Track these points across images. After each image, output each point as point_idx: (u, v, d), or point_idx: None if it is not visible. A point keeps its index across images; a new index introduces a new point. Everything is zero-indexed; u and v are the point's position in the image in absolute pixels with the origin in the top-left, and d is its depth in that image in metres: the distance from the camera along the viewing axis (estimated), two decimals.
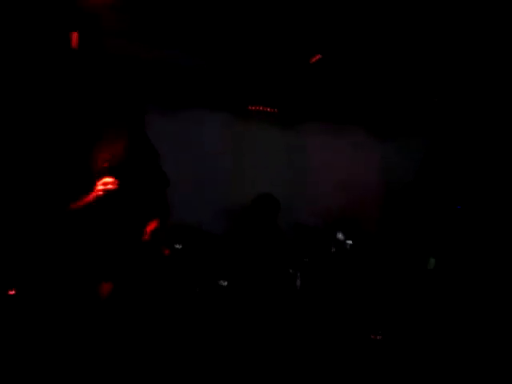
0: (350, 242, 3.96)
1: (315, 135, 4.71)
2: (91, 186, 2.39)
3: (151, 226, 2.64)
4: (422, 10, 3.40)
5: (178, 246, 3.62)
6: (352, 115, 4.81)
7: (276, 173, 4.41)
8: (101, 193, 2.36)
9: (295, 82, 4.43)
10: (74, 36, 3.64)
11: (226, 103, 4.29)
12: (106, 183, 2.36)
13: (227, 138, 4.29)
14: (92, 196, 2.37)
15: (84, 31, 3.59)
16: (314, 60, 4.23)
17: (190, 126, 4.14)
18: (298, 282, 3.63)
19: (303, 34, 3.85)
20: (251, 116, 4.44)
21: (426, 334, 3.32)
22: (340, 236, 3.96)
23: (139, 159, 2.61)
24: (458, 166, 3.87)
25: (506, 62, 3.98)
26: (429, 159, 3.72)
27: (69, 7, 3.39)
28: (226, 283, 3.57)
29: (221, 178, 4.24)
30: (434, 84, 4.54)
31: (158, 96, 3.99)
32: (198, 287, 3.49)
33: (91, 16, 3.57)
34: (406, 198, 3.84)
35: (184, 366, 2.80)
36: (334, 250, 3.95)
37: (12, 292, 2.88)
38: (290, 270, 3.66)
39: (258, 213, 3.97)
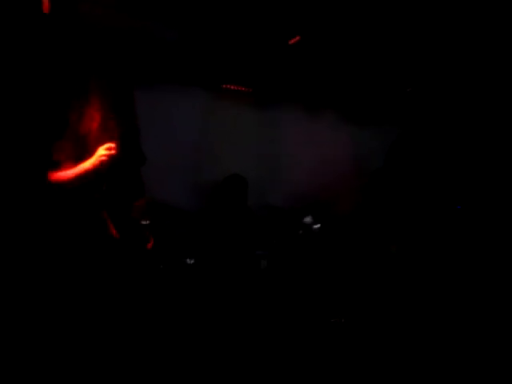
0: (318, 225, 3.99)
1: (290, 117, 4.69)
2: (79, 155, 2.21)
3: (140, 203, 2.59)
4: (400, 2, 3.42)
5: (144, 223, 3.57)
6: (328, 99, 4.81)
7: (249, 153, 4.37)
8: (105, 158, 2.15)
9: (272, 63, 4.36)
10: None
11: (200, 81, 4.17)
12: (110, 148, 2.18)
13: (200, 117, 4.19)
14: (93, 163, 2.17)
15: None
16: (292, 41, 4.18)
17: (162, 103, 4.00)
18: (264, 263, 3.65)
19: (284, 15, 3.79)
20: (226, 95, 4.35)
21: (387, 316, 3.39)
22: (308, 219, 3.99)
23: (124, 134, 2.43)
24: (423, 154, 3.94)
25: (476, 54, 4.04)
26: (396, 147, 3.77)
27: None
28: (192, 261, 3.55)
29: (192, 157, 4.15)
30: (408, 74, 4.58)
31: (130, 70, 3.86)
32: (162, 264, 3.46)
33: None
34: (374, 184, 3.89)
35: (144, 343, 2.79)
36: (301, 232, 3.97)
37: None
38: (257, 251, 3.67)
39: (227, 192, 3.96)
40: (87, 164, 2.15)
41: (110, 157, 2.17)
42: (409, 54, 4.29)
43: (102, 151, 2.16)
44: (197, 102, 4.15)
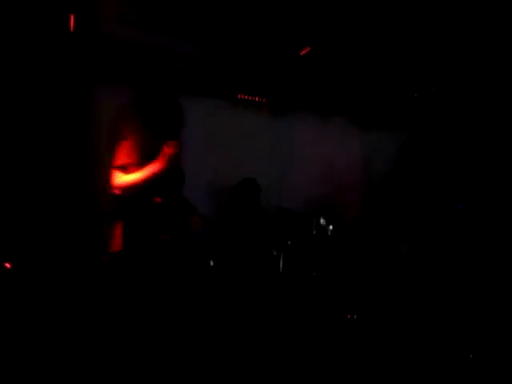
0: (330, 227, 4.14)
1: (302, 124, 4.86)
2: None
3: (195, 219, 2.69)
4: (406, 10, 3.57)
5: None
6: (338, 106, 4.97)
7: (263, 159, 4.54)
8: (166, 160, 2.26)
9: (284, 73, 4.56)
10: (72, 19, 3.70)
11: (217, 91, 4.36)
12: (168, 152, 2.28)
13: (217, 125, 4.38)
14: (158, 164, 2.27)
15: (81, 14, 3.66)
16: (303, 52, 4.37)
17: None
18: (281, 264, 3.80)
19: (294, 28, 3.98)
20: (240, 104, 4.53)
21: (400, 314, 3.48)
22: (322, 221, 4.13)
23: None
24: (431, 159, 4.06)
25: (481, 62, 4.18)
26: (404, 152, 3.89)
27: None
28: (212, 263, 3.71)
29: (209, 163, 4.30)
30: (414, 80, 4.73)
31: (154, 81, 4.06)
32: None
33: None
34: (384, 186, 4.01)
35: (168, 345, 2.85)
36: (315, 233, 4.12)
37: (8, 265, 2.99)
38: (274, 252, 3.83)
39: (240, 196, 4.13)
40: (150, 167, 2.25)
41: (170, 161, 2.27)
42: (415, 61, 4.45)
43: (163, 155, 2.26)
44: (214, 111, 4.34)
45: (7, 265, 2.92)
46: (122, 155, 2.22)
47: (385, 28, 3.94)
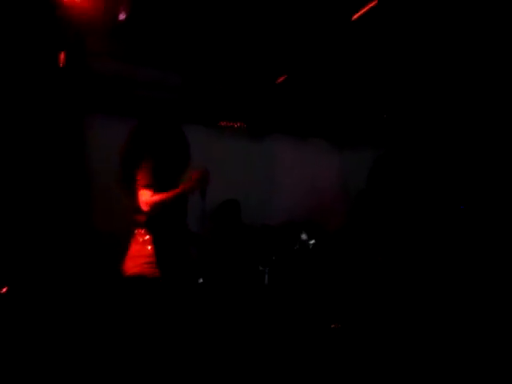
0: (312, 241, 4.35)
1: (281, 146, 5.11)
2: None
3: None
4: (373, 44, 3.90)
5: None
6: (314, 128, 5.25)
7: (246, 180, 4.73)
8: (193, 184, 2.40)
9: (262, 100, 4.83)
10: (62, 56, 3.89)
11: (199, 118, 4.57)
12: (196, 176, 2.44)
13: (202, 150, 4.57)
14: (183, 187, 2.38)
15: (70, 51, 3.79)
16: (280, 80, 4.66)
17: None
18: (266, 278, 3.99)
19: (271, 58, 4.27)
20: (223, 130, 4.76)
21: (379, 322, 3.66)
22: (304, 236, 4.35)
23: None
24: (400, 174, 4.33)
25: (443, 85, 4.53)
26: (375, 170, 4.15)
27: (58, 29, 3.60)
28: (201, 280, 3.87)
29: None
30: (383, 103, 5.06)
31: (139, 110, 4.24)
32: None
33: (77, 37, 3.79)
34: (359, 203, 4.23)
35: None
36: (297, 248, 4.33)
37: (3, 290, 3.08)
38: (260, 267, 4.01)
39: (221, 216, 4.33)
40: (178, 189, 2.39)
41: (197, 183, 2.45)
42: (384, 87, 4.78)
43: (190, 179, 2.43)
44: (198, 138, 4.54)
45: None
46: (146, 177, 2.36)
47: (354, 58, 4.25)
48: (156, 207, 2.31)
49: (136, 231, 2.42)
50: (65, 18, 3.51)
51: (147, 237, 2.38)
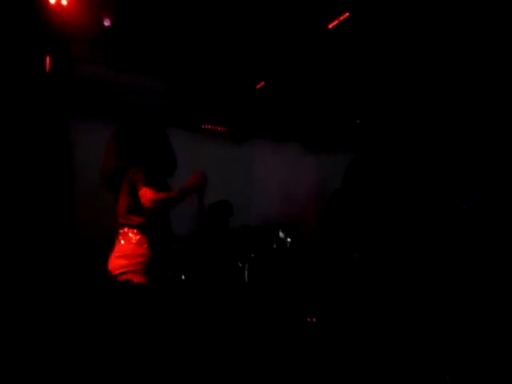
0: (289, 239, 4.53)
1: (261, 150, 5.31)
2: None
3: None
4: (348, 53, 4.10)
5: None
6: (292, 133, 5.46)
7: (227, 182, 4.88)
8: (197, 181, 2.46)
9: (243, 105, 5.02)
10: (47, 60, 3.97)
11: (183, 123, 4.71)
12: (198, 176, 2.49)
13: (185, 153, 4.71)
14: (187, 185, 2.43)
15: (56, 56, 3.89)
16: (258, 86, 4.84)
17: None
18: (246, 274, 4.14)
19: (250, 65, 4.44)
20: (205, 134, 4.92)
21: (354, 316, 3.78)
22: (281, 235, 4.52)
23: None
24: (376, 173, 4.50)
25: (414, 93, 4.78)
26: (351, 169, 4.29)
27: (43, 33, 3.70)
28: (184, 277, 4.00)
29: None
30: (358, 108, 5.29)
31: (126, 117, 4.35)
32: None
33: (62, 42, 3.90)
34: (335, 201, 4.38)
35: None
36: (275, 246, 4.50)
37: None
38: (239, 264, 4.17)
39: (214, 216, 4.47)
40: (185, 186, 2.43)
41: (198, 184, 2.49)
42: (358, 93, 5.00)
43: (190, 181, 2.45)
44: (181, 142, 4.68)
45: None
46: (146, 176, 2.36)
47: (330, 65, 4.46)
48: (161, 204, 2.29)
49: (125, 231, 2.39)
50: (50, 22, 3.61)
51: (139, 237, 2.36)
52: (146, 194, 2.26)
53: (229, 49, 4.16)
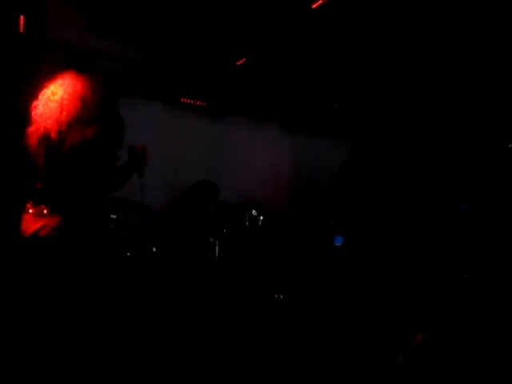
0: (261, 217, 4.56)
1: (238, 128, 5.28)
2: None
3: None
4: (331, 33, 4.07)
5: (113, 216, 3.93)
6: (270, 113, 5.44)
7: (203, 157, 4.89)
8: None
9: (222, 80, 4.94)
10: (21, 20, 3.79)
11: (161, 95, 4.64)
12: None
13: (160, 125, 4.66)
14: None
15: (31, 16, 3.77)
16: (239, 63, 4.77)
17: (128, 114, 4.40)
18: (217, 249, 4.16)
19: (232, 41, 4.37)
20: (184, 107, 4.85)
21: (320, 293, 3.83)
22: (254, 213, 4.55)
23: None
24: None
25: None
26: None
27: None
28: (155, 249, 3.98)
29: (153, 161, 4.54)
30: (336, 92, 5.30)
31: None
32: (129, 252, 3.85)
33: (39, 1, 3.72)
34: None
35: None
36: (248, 224, 4.53)
37: None
38: (211, 239, 4.18)
39: (198, 195, 4.46)
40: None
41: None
42: (338, 77, 4.99)
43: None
44: (160, 113, 4.64)
45: None
46: None
47: (312, 46, 4.42)
48: None
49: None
50: None
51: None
52: None
53: (211, 23, 4.07)
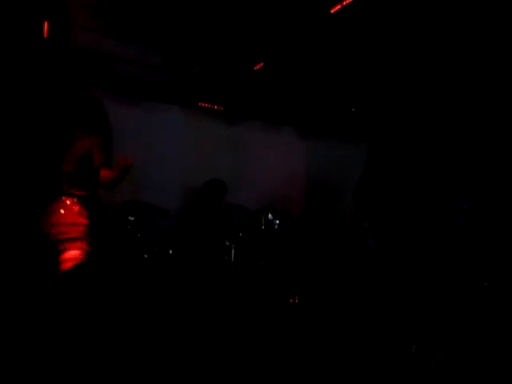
0: (277, 221, 4.53)
1: (254, 131, 5.26)
2: None
3: None
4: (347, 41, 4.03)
5: (131, 218, 3.96)
6: (286, 117, 5.42)
7: (219, 161, 4.88)
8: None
9: (240, 85, 4.94)
10: (46, 25, 3.86)
11: (179, 99, 4.65)
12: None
13: (178, 129, 4.68)
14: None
15: (54, 22, 3.78)
16: (257, 67, 4.76)
17: (147, 118, 4.44)
18: (233, 253, 4.15)
19: (250, 45, 4.36)
20: (201, 111, 4.85)
21: (336, 299, 3.84)
22: (270, 216, 4.52)
23: None
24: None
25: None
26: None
27: None
28: (171, 252, 3.99)
29: (171, 165, 4.56)
30: (353, 97, 5.24)
31: (121, 88, 4.30)
32: (146, 254, 3.88)
33: (62, 7, 3.79)
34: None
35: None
36: (264, 227, 4.51)
37: None
38: (227, 243, 4.17)
39: (208, 194, 4.45)
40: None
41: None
42: (356, 81, 4.94)
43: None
44: (177, 117, 4.65)
45: None
46: None
47: (330, 51, 4.38)
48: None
49: (64, 199, 2.43)
50: None
51: (78, 207, 2.41)
52: (107, 173, 2.39)
53: (230, 28, 4.07)
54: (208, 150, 4.86)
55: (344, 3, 3.62)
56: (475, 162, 4.50)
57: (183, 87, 4.61)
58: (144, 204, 4.05)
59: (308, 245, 4.50)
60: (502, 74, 4.15)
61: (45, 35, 3.83)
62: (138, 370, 2.49)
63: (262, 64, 4.73)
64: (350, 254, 4.26)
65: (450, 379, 2.64)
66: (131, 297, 3.26)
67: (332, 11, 3.70)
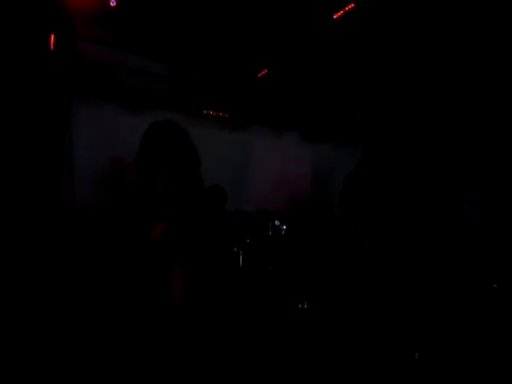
0: (284, 227, 4.45)
1: (260, 137, 5.19)
2: None
3: None
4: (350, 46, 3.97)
5: None
6: (291, 123, 5.35)
7: (226, 168, 4.82)
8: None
9: (244, 92, 4.88)
10: (52, 38, 3.84)
11: (184, 106, 4.58)
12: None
13: None
14: None
15: (60, 34, 3.75)
16: (261, 74, 4.71)
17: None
18: (241, 259, 4.08)
19: (253, 53, 4.31)
20: (206, 118, 4.79)
21: (344, 304, 3.76)
22: (277, 222, 4.45)
23: None
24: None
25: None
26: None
27: (49, 10, 3.54)
28: None
29: None
30: (358, 101, 5.17)
31: (127, 97, 4.26)
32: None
33: (67, 20, 3.76)
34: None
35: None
36: (271, 233, 4.43)
37: None
38: (235, 249, 4.10)
39: (207, 201, 4.38)
40: None
41: None
42: (359, 85, 4.87)
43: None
44: (181, 125, 4.58)
45: None
46: None
47: (333, 56, 4.32)
48: None
49: None
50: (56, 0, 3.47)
51: None
52: None
53: (233, 36, 4.02)
54: (214, 156, 4.79)
55: (347, 9, 3.59)
56: (475, 162, 4.44)
57: (188, 95, 4.56)
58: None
59: (314, 249, 4.41)
60: (502, 74, 4.10)
61: (51, 47, 3.83)
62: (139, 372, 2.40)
63: (265, 71, 4.68)
64: (354, 257, 4.17)
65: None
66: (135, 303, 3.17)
67: (335, 17, 3.67)
